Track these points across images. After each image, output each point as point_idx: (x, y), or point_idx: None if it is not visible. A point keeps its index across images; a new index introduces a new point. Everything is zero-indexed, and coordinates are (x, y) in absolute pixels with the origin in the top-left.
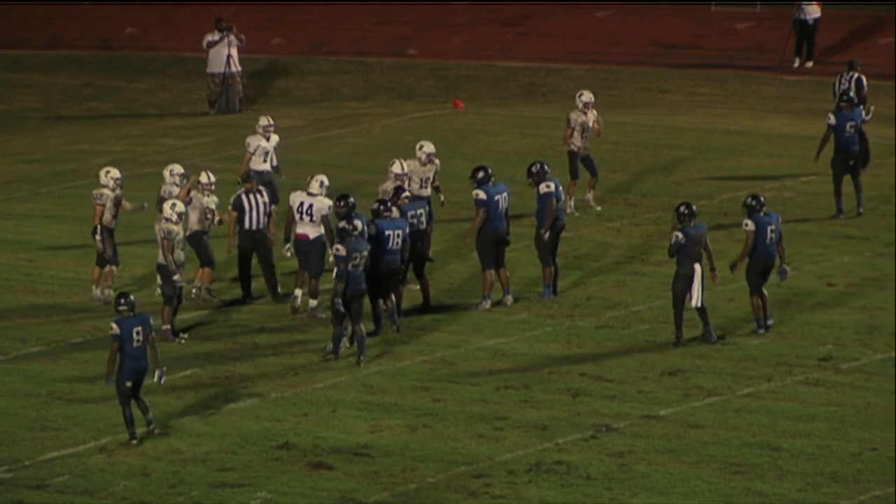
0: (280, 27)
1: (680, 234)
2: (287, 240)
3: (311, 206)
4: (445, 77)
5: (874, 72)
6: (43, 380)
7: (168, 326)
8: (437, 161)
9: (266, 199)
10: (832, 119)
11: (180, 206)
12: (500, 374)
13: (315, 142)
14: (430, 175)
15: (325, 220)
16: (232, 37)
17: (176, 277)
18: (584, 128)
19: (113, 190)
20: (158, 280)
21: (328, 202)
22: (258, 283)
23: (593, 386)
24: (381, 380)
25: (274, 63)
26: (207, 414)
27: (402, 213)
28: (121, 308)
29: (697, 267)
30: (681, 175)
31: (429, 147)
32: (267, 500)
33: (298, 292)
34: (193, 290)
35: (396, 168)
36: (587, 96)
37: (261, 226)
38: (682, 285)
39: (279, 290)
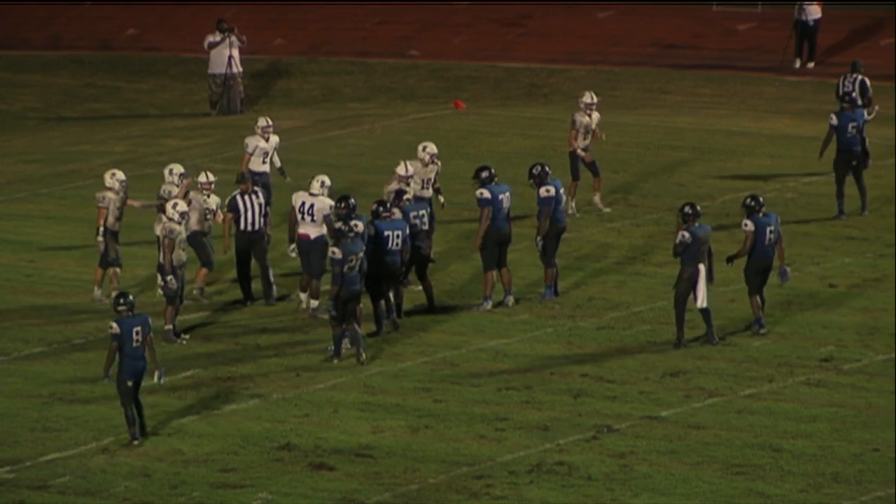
0: (281, 28)
1: (686, 234)
2: (291, 240)
3: (311, 205)
4: (447, 78)
5: (875, 73)
6: (44, 380)
7: (170, 326)
8: (438, 162)
9: (262, 200)
10: (834, 120)
11: (182, 206)
12: (502, 375)
13: (316, 142)
14: (432, 176)
15: (326, 219)
16: (233, 38)
17: (168, 278)
18: (587, 130)
19: (117, 193)
20: (160, 280)
21: (329, 202)
22: (258, 284)
23: (595, 387)
24: (383, 380)
25: (275, 64)
26: (209, 415)
27: (405, 214)
28: (120, 308)
29: (702, 268)
30: (682, 176)
31: (431, 148)
32: (268, 501)
33: (304, 297)
34: (195, 291)
35: (401, 169)
36: (588, 97)
37: (256, 227)
38: (685, 286)
39: (274, 291)
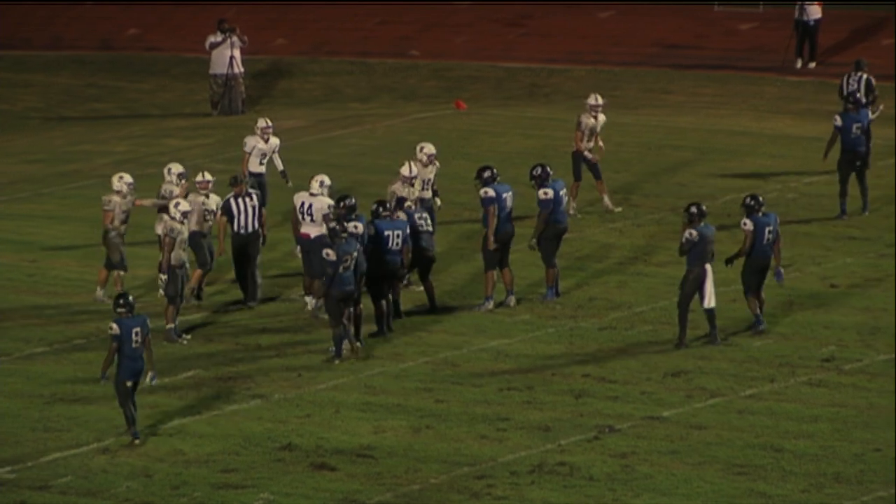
0: (282, 28)
1: (694, 232)
2: (297, 241)
3: (310, 205)
4: (448, 78)
5: (876, 73)
6: (46, 381)
7: (172, 326)
8: (437, 163)
9: (255, 202)
10: (838, 121)
11: (184, 205)
12: (503, 376)
13: (318, 142)
14: (431, 177)
15: (325, 219)
16: (235, 38)
17: (163, 277)
18: (592, 131)
19: (124, 196)
20: (160, 280)
21: (328, 201)
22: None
23: (596, 387)
24: (384, 381)
25: (276, 64)
26: (210, 415)
27: (408, 216)
28: (119, 309)
29: (709, 268)
30: (684, 176)
31: (428, 149)
32: (270, 502)
33: (308, 299)
34: (186, 291)
35: (405, 170)
36: (593, 99)
37: (249, 229)
38: (692, 287)
39: (258, 293)
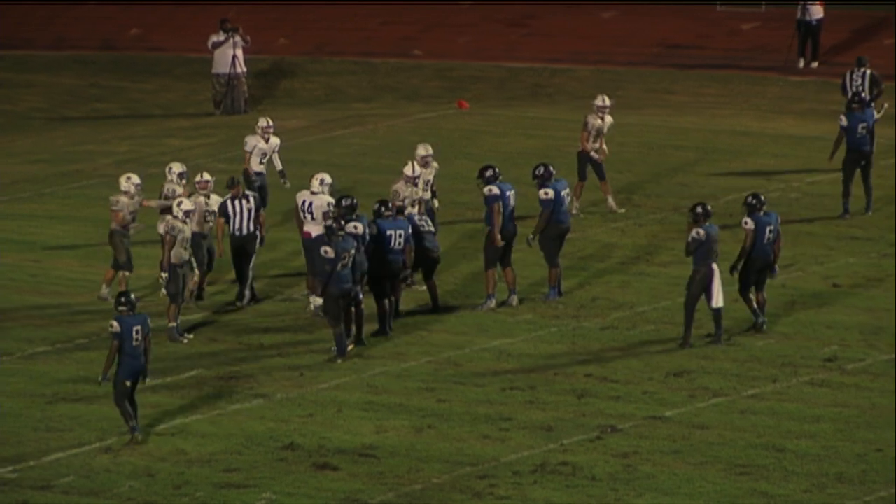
0: (284, 27)
1: (701, 231)
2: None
3: (311, 203)
4: (451, 78)
5: (878, 73)
6: (48, 380)
7: (174, 325)
8: (435, 164)
9: (252, 204)
10: (843, 120)
11: (187, 205)
12: (506, 375)
13: (320, 142)
14: (430, 178)
15: (325, 216)
16: (237, 38)
17: (164, 275)
18: (599, 132)
19: (132, 197)
20: (161, 279)
21: (328, 199)
22: (260, 284)
23: (598, 387)
24: (387, 380)
25: (279, 64)
26: (212, 414)
27: (409, 218)
28: (121, 307)
29: (715, 267)
30: (686, 176)
31: (421, 150)
32: (272, 501)
33: (313, 298)
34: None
35: (408, 170)
36: (600, 100)
37: (244, 231)
38: (699, 287)
39: (246, 293)
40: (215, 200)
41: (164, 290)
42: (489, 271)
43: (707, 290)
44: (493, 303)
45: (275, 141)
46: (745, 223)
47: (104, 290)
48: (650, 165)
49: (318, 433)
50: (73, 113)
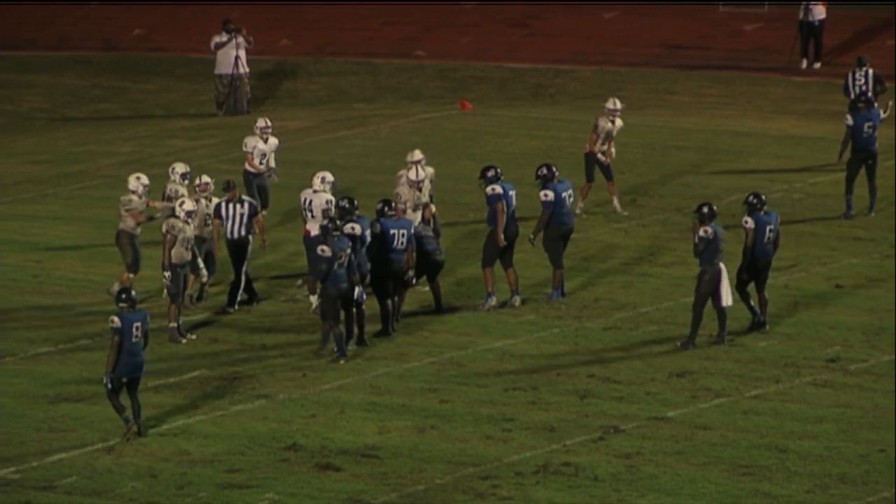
0: (286, 28)
1: (709, 229)
2: None
3: (311, 201)
4: (453, 78)
5: (880, 73)
6: (51, 381)
7: (175, 325)
8: (430, 169)
9: (246, 210)
10: (850, 120)
11: (189, 205)
12: (508, 376)
13: (323, 143)
14: (426, 181)
15: (324, 214)
16: (240, 38)
17: (166, 274)
18: (609, 135)
19: (140, 197)
20: (164, 277)
21: (327, 197)
22: (262, 285)
23: (601, 387)
24: (389, 381)
25: (281, 64)
26: (215, 415)
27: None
28: (121, 304)
29: (722, 266)
30: (688, 177)
31: (411, 156)
32: (275, 502)
33: (313, 299)
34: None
35: (412, 174)
36: (612, 103)
37: (236, 235)
38: (708, 287)
39: (238, 299)
40: (216, 203)
41: (164, 292)
42: (486, 269)
43: (716, 290)
44: (493, 300)
45: (273, 141)
46: (746, 222)
47: (114, 287)
48: (652, 166)
49: (321, 434)
50: (75, 113)
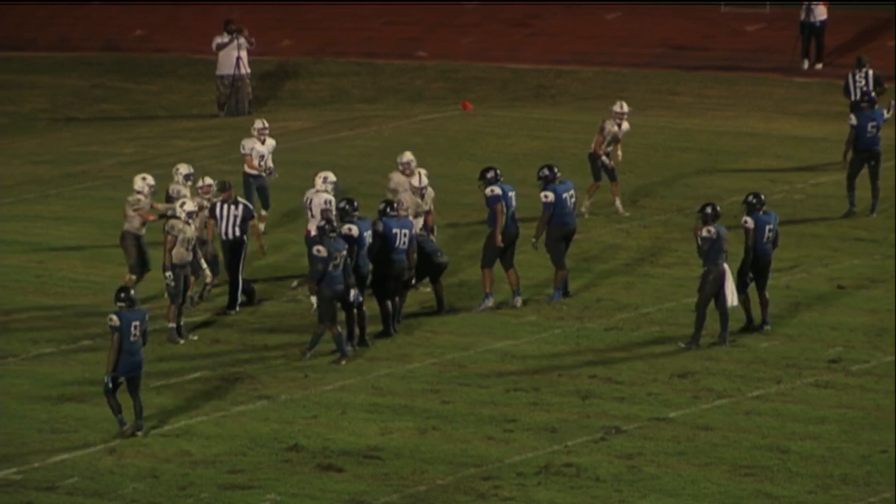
0: (288, 28)
1: (712, 229)
2: None
3: (311, 200)
4: (454, 79)
5: (880, 74)
6: (53, 381)
7: (174, 325)
8: (420, 171)
9: (239, 212)
10: (853, 120)
11: (190, 205)
12: (510, 376)
13: (325, 143)
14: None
15: (323, 214)
16: (242, 39)
17: (168, 275)
18: (615, 138)
19: (146, 197)
20: (166, 277)
21: (326, 196)
22: (264, 285)
23: (603, 388)
24: (391, 382)
25: (283, 65)
26: (217, 416)
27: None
28: (120, 303)
29: (726, 266)
30: (690, 177)
31: (401, 157)
32: (276, 502)
33: (314, 299)
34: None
35: (415, 181)
36: (619, 107)
37: (230, 236)
38: (712, 288)
39: (238, 300)
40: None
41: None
42: (485, 270)
43: (721, 291)
44: (490, 301)
45: (271, 142)
46: (745, 222)
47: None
48: (654, 167)
49: (323, 434)
50: (77, 114)
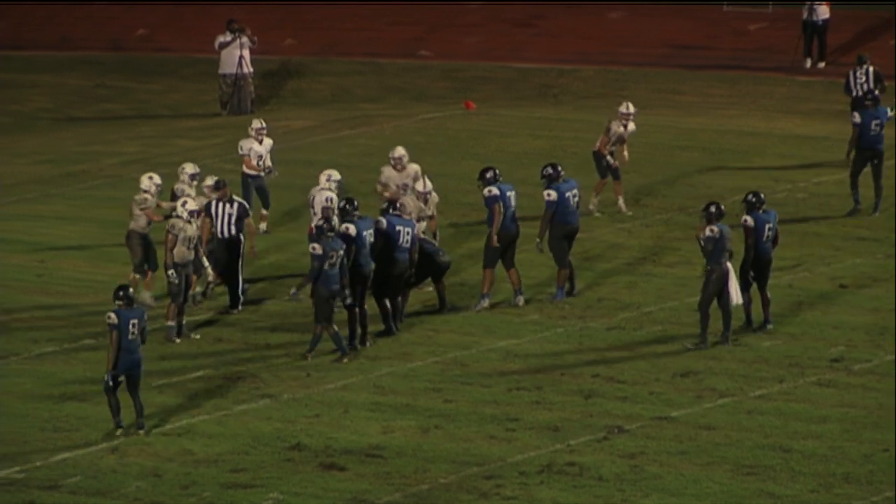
0: (291, 28)
1: (716, 228)
2: None
3: (314, 198)
4: (458, 78)
5: (880, 72)
6: (55, 380)
7: (172, 324)
8: (413, 166)
9: (234, 211)
10: (857, 118)
11: (192, 204)
12: (512, 376)
13: (327, 142)
14: (409, 181)
15: (323, 212)
16: (244, 38)
17: (170, 273)
18: (620, 139)
19: (153, 196)
20: (169, 276)
21: (328, 194)
22: (265, 284)
23: (605, 387)
24: (393, 381)
25: (286, 64)
26: (219, 415)
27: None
28: (118, 301)
29: (729, 265)
30: (693, 176)
31: (393, 152)
32: (279, 501)
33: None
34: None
35: (419, 186)
36: (625, 108)
37: (225, 235)
38: (715, 287)
39: (241, 300)
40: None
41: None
42: (487, 270)
43: (724, 289)
44: (486, 302)
45: (268, 142)
46: (745, 221)
47: (144, 295)
48: (657, 166)
49: (325, 433)
50: (79, 113)
